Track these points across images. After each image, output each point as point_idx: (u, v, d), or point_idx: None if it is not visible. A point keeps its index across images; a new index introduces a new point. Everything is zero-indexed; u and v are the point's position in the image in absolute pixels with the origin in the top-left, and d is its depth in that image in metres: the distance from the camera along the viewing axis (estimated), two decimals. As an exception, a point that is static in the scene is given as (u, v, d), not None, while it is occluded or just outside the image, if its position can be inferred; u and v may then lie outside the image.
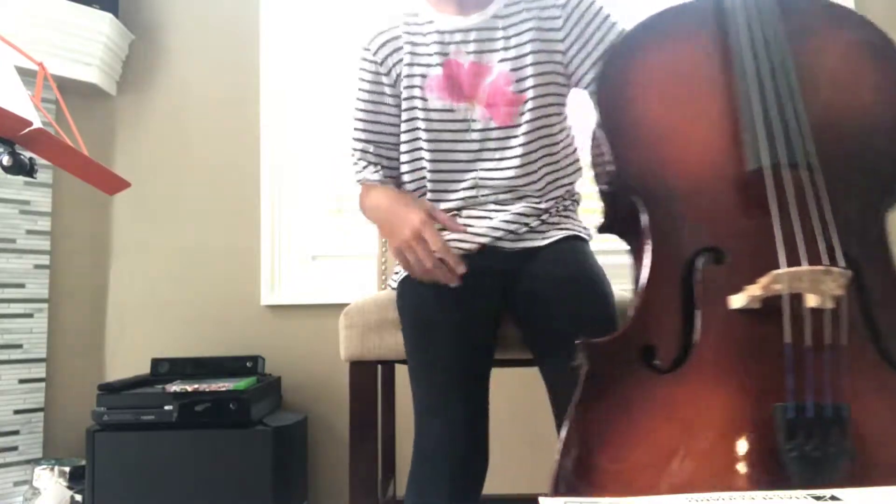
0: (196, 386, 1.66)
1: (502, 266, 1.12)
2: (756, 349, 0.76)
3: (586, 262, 1.13)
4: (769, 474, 0.70)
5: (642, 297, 0.81)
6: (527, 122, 1.16)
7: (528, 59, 1.16)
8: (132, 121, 2.13)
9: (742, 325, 0.78)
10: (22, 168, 1.04)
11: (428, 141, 1.19)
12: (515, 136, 1.16)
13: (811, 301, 0.75)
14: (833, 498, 0.59)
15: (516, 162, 1.16)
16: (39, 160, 1.11)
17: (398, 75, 1.20)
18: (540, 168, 1.18)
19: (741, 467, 0.72)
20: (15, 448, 1.90)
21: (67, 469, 1.83)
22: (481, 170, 1.18)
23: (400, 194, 1.20)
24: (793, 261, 0.77)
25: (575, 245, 1.16)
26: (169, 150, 2.12)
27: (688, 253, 0.82)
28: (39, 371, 1.97)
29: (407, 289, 1.15)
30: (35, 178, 1.10)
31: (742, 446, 0.72)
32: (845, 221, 0.82)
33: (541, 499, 0.61)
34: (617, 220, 0.94)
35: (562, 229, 1.17)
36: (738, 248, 0.82)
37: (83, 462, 1.74)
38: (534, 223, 1.16)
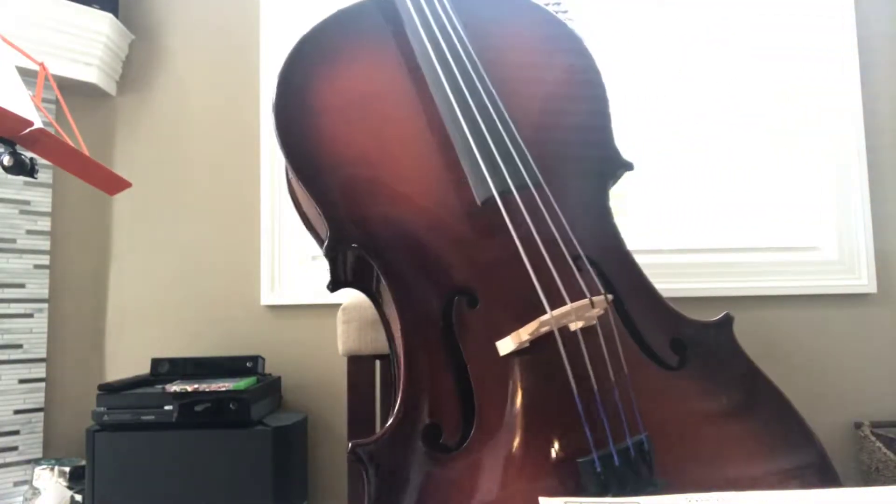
0: (196, 386, 1.66)
1: None
2: (540, 395, 0.67)
3: None
4: None
5: (405, 370, 0.68)
6: None
7: None
8: (132, 121, 2.13)
9: (519, 370, 0.68)
10: (23, 168, 1.04)
11: None
12: None
13: (576, 325, 0.69)
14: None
15: None
16: (40, 160, 1.11)
17: None
18: None
19: None
20: (15, 448, 1.90)
21: (67, 469, 1.83)
22: None
23: None
24: (554, 300, 0.69)
25: None
26: (169, 150, 2.12)
27: (437, 302, 0.71)
28: (39, 371, 1.97)
29: None
30: (35, 178, 1.10)
31: None
32: (582, 226, 0.77)
33: (541, 499, 0.60)
34: (350, 277, 0.81)
35: None
36: (490, 286, 0.72)
37: (83, 462, 1.74)
38: None
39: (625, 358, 0.71)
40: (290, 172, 0.78)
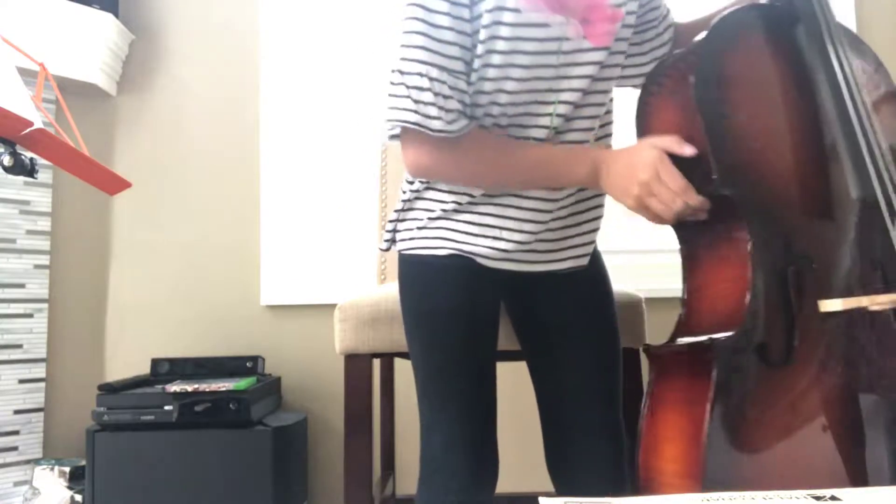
0: (196, 386, 1.66)
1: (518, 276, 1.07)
2: (834, 345, 0.88)
3: (610, 305, 1.12)
4: (873, 462, 0.85)
5: (750, 299, 0.87)
6: (619, 48, 0.98)
7: None
8: (132, 121, 2.13)
9: (828, 325, 0.89)
10: (23, 168, 1.04)
11: (513, 66, 0.94)
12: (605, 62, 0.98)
13: (879, 307, 0.89)
14: (833, 498, 0.59)
15: (600, 98, 1.01)
16: (40, 160, 1.11)
17: None
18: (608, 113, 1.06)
19: (848, 454, 0.85)
20: (15, 448, 1.90)
21: (67, 469, 1.83)
22: (560, 103, 0.98)
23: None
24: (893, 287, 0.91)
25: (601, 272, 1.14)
26: (169, 150, 2.12)
27: (783, 259, 0.90)
28: (39, 371, 1.97)
29: (409, 277, 1.09)
30: (35, 178, 1.10)
31: (848, 437, 0.86)
32: None
33: (541, 499, 0.61)
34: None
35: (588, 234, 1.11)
36: (829, 259, 0.92)
37: (83, 462, 1.74)
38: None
39: None
40: (696, 118, 0.90)
